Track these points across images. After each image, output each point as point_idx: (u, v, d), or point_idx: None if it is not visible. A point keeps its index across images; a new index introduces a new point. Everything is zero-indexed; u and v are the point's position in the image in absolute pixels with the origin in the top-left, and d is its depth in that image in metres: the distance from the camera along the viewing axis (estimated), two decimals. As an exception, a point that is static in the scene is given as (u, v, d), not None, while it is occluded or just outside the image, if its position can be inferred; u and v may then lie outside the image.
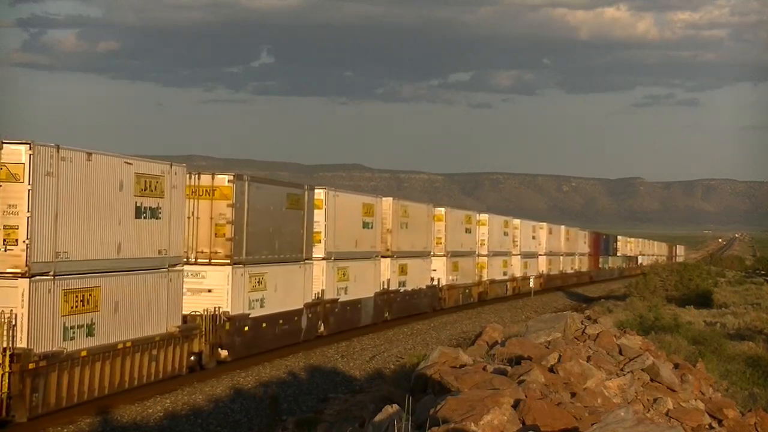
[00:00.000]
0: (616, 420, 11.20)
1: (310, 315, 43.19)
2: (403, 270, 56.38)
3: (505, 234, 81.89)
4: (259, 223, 38.20)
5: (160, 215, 31.43)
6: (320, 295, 44.50)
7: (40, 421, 26.18)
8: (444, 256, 64.21)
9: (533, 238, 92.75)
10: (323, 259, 44.87)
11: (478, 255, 73.40)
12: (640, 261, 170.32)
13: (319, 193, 45.11)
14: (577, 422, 12.52)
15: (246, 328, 37.23)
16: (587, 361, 17.88)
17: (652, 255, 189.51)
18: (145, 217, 30.55)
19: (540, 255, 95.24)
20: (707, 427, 17.92)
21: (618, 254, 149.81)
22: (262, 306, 38.44)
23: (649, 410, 17.36)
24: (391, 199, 55.28)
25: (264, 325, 38.72)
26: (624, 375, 18.45)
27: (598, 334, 22.25)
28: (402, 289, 56.39)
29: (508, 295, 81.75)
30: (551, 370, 16.47)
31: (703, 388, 21.16)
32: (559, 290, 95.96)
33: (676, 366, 21.78)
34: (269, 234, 39.19)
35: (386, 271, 53.80)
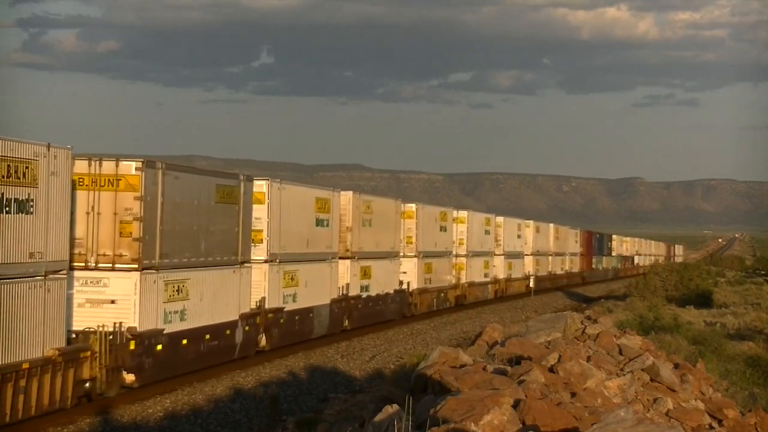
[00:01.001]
0: (616, 420, 11.20)
1: (247, 327, 37.38)
2: (365, 273, 50.71)
3: (487, 232, 75.73)
4: (179, 219, 32.28)
5: (31, 209, 25.39)
6: (261, 304, 38.90)
7: (40, 421, 26.18)
8: (415, 256, 58.97)
9: (518, 236, 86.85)
10: (266, 261, 39.28)
11: (456, 255, 67.97)
12: (636, 261, 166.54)
13: (261, 185, 39.32)
14: (577, 422, 12.52)
15: (159, 347, 31.20)
16: (587, 361, 17.89)
17: (650, 255, 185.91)
18: (7, 212, 24.55)
19: (526, 255, 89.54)
20: (707, 427, 17.92)
21: (613, 254, 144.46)
22: (182, 319, 32.56)
23: (649, 410, 17.36)
24: (350, 193, 49.64)
25: (185, 341, 32.77)
26: (624, 375, 18.45)
27: (598, 334, 22.26)
28: (364, 295, 50.46)
29: (490, 298, 76.33)
30: (551, 370, 16.47)
31: (703, 388, 21.16)
32: (549, 292, 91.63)
33: (676, 366, 21.79)
34: (193, 233, 33.35)
35: (345, 275, 47.94)
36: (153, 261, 30.82)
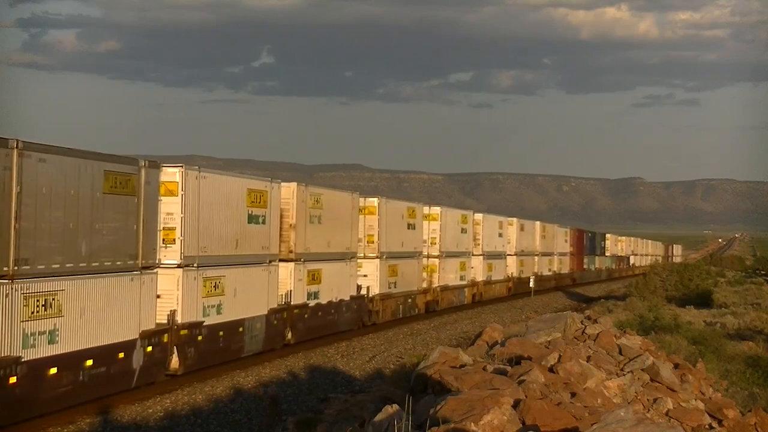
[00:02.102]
0: (616, 420, 11.20)
1: (150, 348, 30.93)
2: (314, 277, 44.07)
3: (463, 231, 68.92)
4: (46, 214, 25.65)
5: None
6: (172, 318, 32.60)
7: (40, 421, 26.19)
8: (377, 258, 52.31)
9: (500, 235, 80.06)
10: (179, 266, 32.94)
11: (428, 256, 62.18)
12: (632, 261, 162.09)
13: (173, 173, 32.90)
14: (577, 422, 12.51)
15: (12, 380, 24.21)
16: (587, 361, 17.89)
17: (646, 255, 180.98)
18: None
19: (509, 255, 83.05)
20: (707, 427, 17.92)
21: (607, 254, 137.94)
22: (51, 342, 25.63)
23: (649, 410, 17.36)
24: (294, 184, 42.74)
25: (53, 371, 25.85)
26: (624, 375, 18.45)
27: (598, 334, 22.25)
28: (312, 303, 43.97)
29: (467, 303, 70.25)
30: (551, 370, 16.47)
31: (703, 388, 21.15)
32: (536, 294, 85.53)
33: (676, 366, 21.78)
34: (69, 231, 26.70)
35: (288, 280, 41.64)
36: (3, 268, 23.90)
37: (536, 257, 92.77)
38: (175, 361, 32.89)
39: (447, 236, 64.74)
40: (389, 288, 54.35)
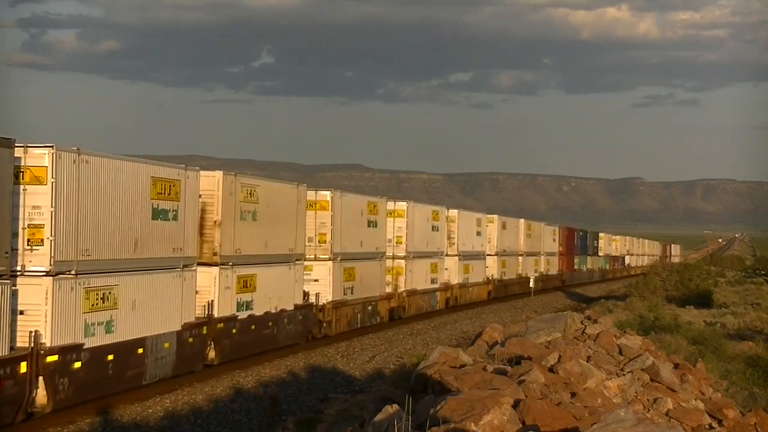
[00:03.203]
0: (616, 420, 11.19)
1: (11, 381, 24.83)
2: (246, 284, 37.68)
3: (435, 228, 62.37)
4: None
5: None
6: (35, 342, 25.73)
7: (40, 421, 26.18)
8: (330, 260, 45.95)
9: (478, 234, 73.20)
10: (48, 274, 26.25)
11: (393, 257, 55.64)
12: (627, 261, 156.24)
13: (40, 156, 26.44)
14: (577, 422, 12.52)
15: None
16: (587, 361, 17.89)
17: (643, 255, 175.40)
18: None
19: (488, 255, 76.77)
20: (707, 427, 17.92)
21: (600, 254, 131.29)
22: None
23: (649, 410, 17.36)
24: (220, 173, 35.99)
25: None
26: (624, 375, 18.45)
27: (598, 334, 22.25)
28: (244, 315, 37.42)
29: (440, 309, 64.02)
30: (551, 370, 16.47)
31: (703, 388, 21.16)
32: (515, 298, 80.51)
33: (676, 366, 21.78)
34: None
35: (211, 288, 35.26)
36: None
37: (520, 257, 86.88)
38: (41, 396, 26.07)
39: (415, 234, 58.13)
40: (345, 294, 47.63)
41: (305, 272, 44.08)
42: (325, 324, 46.00)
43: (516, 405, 12.57)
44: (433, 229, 61.99)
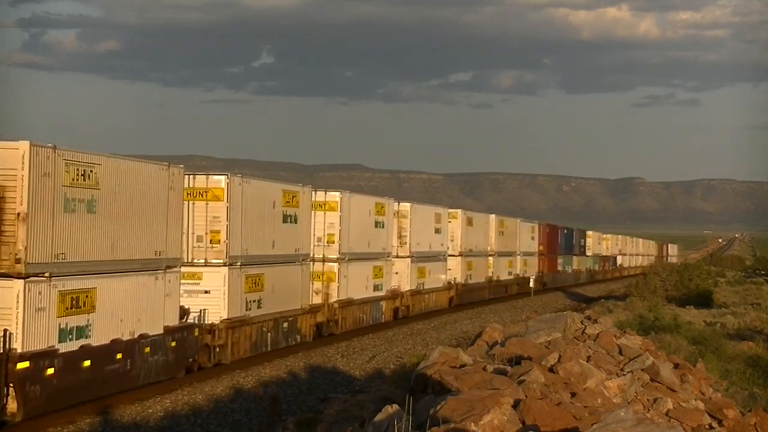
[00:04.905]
0: (616, 420, 11.20)
1: None
2: (76, 303, 27.10)
3: (379, 225, 52.35)
4: None
5: None
6: None
7: (41, 421, 26.19)
8: (225, 265, 35.84)
9: (437, 231, 63.11)
10: None
11: (323, 260, 46.07)
12: (619, 262, 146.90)
13: None
14: (577, 422, 12.52)
15: None
16: (587, 361, 17.89)
17: (637, 255, 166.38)
18: None
19: (451, 256, 66.63)
20: (707, 427, 17.92)
21: (588, 253, 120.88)
22: None
23: (649, 410, 17.36)
24: (25, 144, 25.14)
25: None
26: (624, 375, 18.46)
27: (598, 334, 22.26)
28: (73, 346, 26.86)
29: (387, 321, 54.25)
30: (551, 370, 16.47)
31: (703, 388, 21.16)
32: (484, 304, 72.03)
33: (676, 366, 21.79)
34: None
35: (13, 311, 24.98)
36: None
37: (491, 258, 77.07)
38: None
39: (352, 232, 48.04)
40: (247, 309, 37.52)
41: (192, 282, 34.97)
42: (217, 349, 35.75)
43: (516, 405, 12.58)
44: (377, 226, 52.10)
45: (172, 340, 32.38)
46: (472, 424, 11.71)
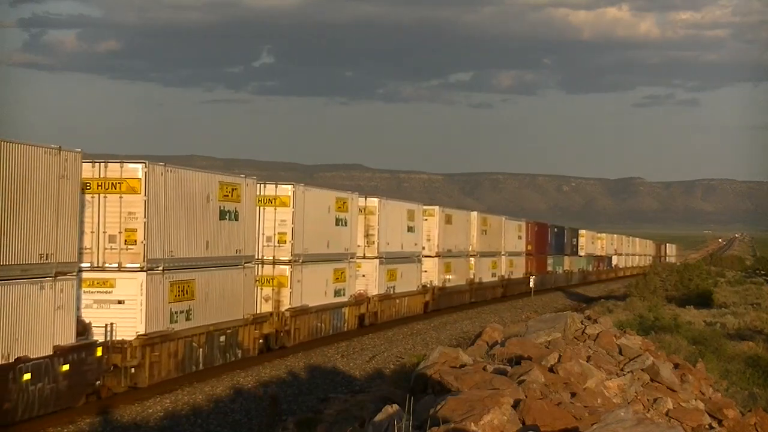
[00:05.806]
0: (616, 420, 11.20)
1: None
2: None
3: (341, 223, 47.45)
4: None
5: None
6: None
7: (41, 421, 26.19)
8: (143, 270, 31.19)
9: (410, 230, 57.93)
10: None
11: (273, 262, 41.27)
12: (615, 262, 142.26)
13: None
14: (577, 422, 12.52)
15: None
16: (587, 361, 17.89)
17: (633, 255, 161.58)
18: None
19: (427, 257, 61.99)
20: (707, 427, 17.92)
21: (581, 253, 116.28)
22: None
23: (649, 410, 17.36)
24: None
25: None
26: (624, 375, 18.46)
27: (598, 334, 22.26)
28: None
29: (350, 329, 48.97)
30: (551, 370, 16.47)
31: (703, 388, 21.16)
32: (461, 309, 67.27)
33: (676, 366, 21.79)
34: None
35: None
36: None
37: (472, 259, 71.89)
38: None
39: (308, 230, 43.00)
40: (172, 321, 32.70)
41: (102, 290, 30.75)
42: (131, 370, 30.76)
43: (516, 405, 12.58)
44: (338, 224, 47.09)
45: (64, 363, 26.50)
46: (472, 424, 11.71)
